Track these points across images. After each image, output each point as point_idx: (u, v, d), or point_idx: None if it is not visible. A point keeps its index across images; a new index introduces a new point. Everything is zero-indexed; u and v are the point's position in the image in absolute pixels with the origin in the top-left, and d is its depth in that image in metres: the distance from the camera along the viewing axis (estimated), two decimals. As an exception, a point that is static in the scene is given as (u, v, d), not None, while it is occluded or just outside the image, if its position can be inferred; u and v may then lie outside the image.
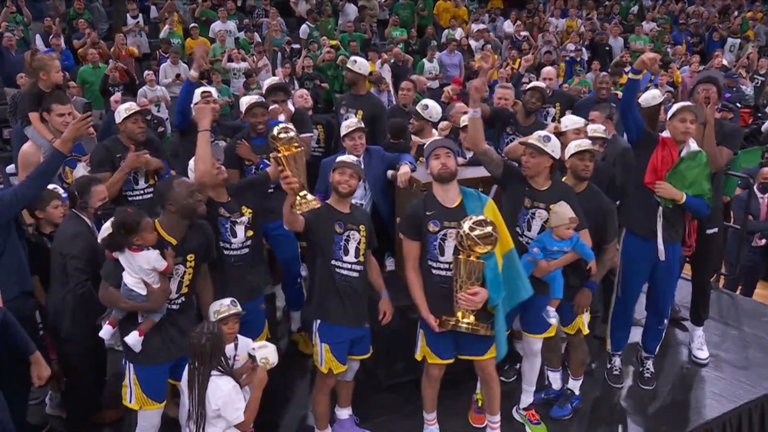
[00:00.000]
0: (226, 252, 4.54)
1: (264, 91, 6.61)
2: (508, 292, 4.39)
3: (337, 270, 4.42)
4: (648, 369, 5.64)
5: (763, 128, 12.32)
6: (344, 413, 4.87)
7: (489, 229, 4.12)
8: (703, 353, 5.98)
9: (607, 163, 5.67)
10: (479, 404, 4.99)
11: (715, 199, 5.54)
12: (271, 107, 5.89)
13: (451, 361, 4.55)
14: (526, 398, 5.04)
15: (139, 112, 5.36)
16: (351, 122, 5.58)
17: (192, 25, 14.23)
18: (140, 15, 14.16)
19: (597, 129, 5.49)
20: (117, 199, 5.15)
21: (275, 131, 4.13)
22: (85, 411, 4.87)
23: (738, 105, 14.24)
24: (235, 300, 4.34)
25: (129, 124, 5.27)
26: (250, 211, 4.61)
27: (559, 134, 5.13)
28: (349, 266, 4.44)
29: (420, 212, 4.40)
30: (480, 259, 4.17)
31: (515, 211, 4.71)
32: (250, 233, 4.60)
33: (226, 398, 3.80)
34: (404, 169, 5.32)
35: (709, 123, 5.30)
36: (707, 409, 5.39)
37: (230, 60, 13.13)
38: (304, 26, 15.43)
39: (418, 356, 4.61)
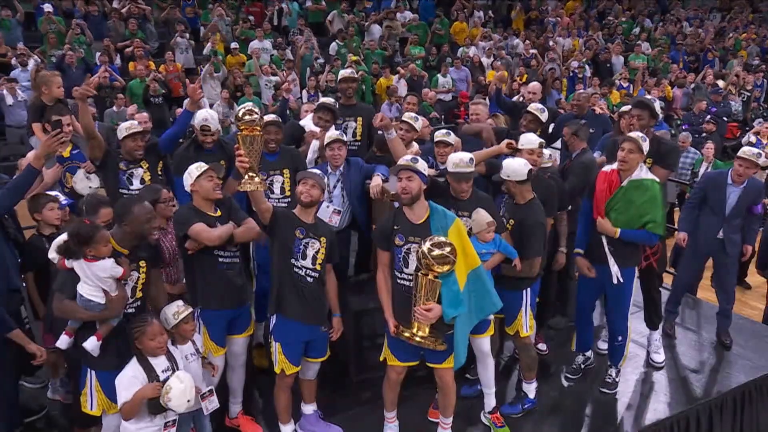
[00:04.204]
0: (220, 260, 4.22)
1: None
2: (477, 307, 4.18)
3: (295, 270, 4.20)
4: (610, 375, 5.24)
5: (743, 141, 11.69)
6: (309, 409, 4.63)
7: (447, 250, 3.84)
8: (659, 356, 5.61)
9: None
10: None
11: None
12: (309, 130, 5.68)
13: (410, 364, 4.30)
14: (489, 401, 4.73)
15: (140, 132, 5.03)
16: (331, 134, 5.30)
17: (233, 45, 14.14)
18: (187, 34, 14.09)
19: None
20: None
21: (240, 112, 3.94)
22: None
23: (725, 119, 13.66)
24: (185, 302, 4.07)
25: (128, 142, 4.98)
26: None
27: (514, 151, 4.90)
28: (304, 270, 4.22)
29: (389, 225, 4.20)
30: (437, 278, 3.91)
31: None
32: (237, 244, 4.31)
33: (120, 380, 3.64)
34: (376, 180, 5.08)
35: None
36: (657, 410, 5.02)
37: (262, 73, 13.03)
38: (333, 44, 15.25)
39: (381, 357, 4.38)
